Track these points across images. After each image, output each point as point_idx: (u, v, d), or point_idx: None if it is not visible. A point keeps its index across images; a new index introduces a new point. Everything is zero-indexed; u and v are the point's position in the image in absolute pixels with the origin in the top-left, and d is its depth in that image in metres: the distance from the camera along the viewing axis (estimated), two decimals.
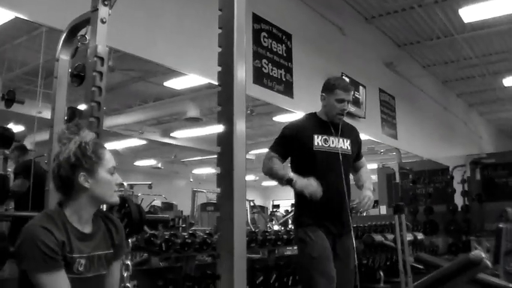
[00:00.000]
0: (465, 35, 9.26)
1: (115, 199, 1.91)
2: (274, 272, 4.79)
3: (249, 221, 10.88)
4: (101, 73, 2.39)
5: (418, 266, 5.59)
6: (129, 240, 2.45)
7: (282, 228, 7.52)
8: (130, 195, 11.28)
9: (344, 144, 3.26)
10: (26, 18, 4.07)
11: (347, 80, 7.59)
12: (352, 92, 3.34)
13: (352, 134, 3.39)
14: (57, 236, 1.68)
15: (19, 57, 8.43)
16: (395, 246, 4.45)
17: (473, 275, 2.96)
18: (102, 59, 2.39)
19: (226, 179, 1.73)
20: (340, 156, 3.19)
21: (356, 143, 3.38)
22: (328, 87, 3.24)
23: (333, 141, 3.22)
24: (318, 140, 3.19)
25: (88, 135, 1.85)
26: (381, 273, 6.08)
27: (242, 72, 1.79)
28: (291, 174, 3.06)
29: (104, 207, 2.19)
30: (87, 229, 1.84)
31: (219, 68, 1.82)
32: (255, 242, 4.76)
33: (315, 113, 3.37)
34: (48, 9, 3.83)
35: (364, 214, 10.21)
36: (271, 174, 3.19)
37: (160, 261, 4.25)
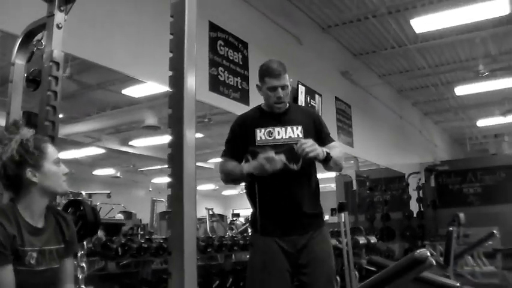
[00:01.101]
0: (417, 45, 9.53)
1: (64, 188, 1.99)
2: (231, 277, 4.85)
3: (208, 229, 10.93)
4: (56, 78, 2.42)
5: (371, 268, 5.73)
6: (84, 242, 2.48)
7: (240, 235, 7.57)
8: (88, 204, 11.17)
9: (294, 133, 2.86)
10: None
11: (302, 79, 7.75)
12: (286, 76, 2.88)
13: (305, 118, 2.96)
14: (8, 230, 1.73)
15: None
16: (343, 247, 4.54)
17: (419, 273, 3.07)
18: (57, 63, 2.43)
19: (176, 180, 1.80)
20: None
21: (313, 127, 2.93)
22: (259, 76, 2.94)
23: (278, 133, 2.86)
24: (260, 134, 2.86)
25: (28, 133, 1.92)
26: (338, 278, 6.18)
27: (192, 77, 1.86)
28: (245, 166, 2.74)
29: (61, 207, 2.24)
30: (39, 224, 1.91)
31: (170, 73, 1.89)
32: (212, 247, 4.82)
33: (260, 105, 3.07)
34: (3, 14, 3.82)
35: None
36: (228, 177, 2.89)
37: (117, 267, 4.26)
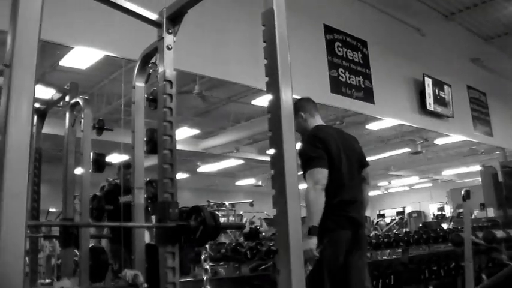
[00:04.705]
0: None
1: None
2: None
3: None
4: (170, 95, 2.61)
5: None
6: (207, 246, 2.63)
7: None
8: (233, 214, 11.74)
9: None
10: (112, 55, 4.46)
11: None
12: None
13: None
14: None
15: (115, 91, 9.04)
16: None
17: None
18: (170, 82, 2.62)
19: (279, 180, 1.86)
20: None
21: None
22: None
23: None
24: None
25: None
26: (484, 276, 5.87)
27: (287, 81, 1.93)
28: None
29: None
30: None
31: (267, 79, 1.98)
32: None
33: None
34: (127, 44, 4.14)
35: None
36: None
37: (250, 270, 4.43)
